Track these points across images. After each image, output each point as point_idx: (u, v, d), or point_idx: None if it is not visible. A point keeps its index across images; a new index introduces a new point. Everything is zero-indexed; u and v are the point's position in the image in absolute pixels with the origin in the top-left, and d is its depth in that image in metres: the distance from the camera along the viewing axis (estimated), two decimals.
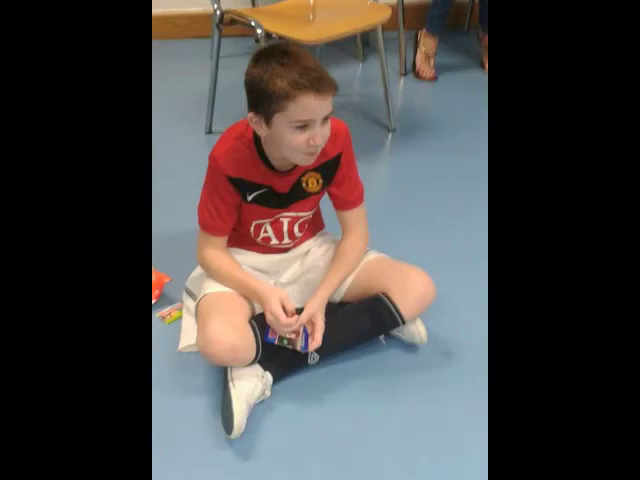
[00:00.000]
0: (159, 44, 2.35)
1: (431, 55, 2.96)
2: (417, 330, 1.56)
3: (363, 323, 1.54)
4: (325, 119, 1.32)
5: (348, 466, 1.34)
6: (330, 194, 1.55)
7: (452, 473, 1.33)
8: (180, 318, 1.65)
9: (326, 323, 1.45)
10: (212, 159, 1.43)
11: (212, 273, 1.53)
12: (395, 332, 1.59)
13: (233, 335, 1.40)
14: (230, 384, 1.40)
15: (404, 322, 1.52)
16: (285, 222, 1.54)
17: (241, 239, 1.57)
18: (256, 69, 1.29)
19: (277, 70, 1.26)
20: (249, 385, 1.40)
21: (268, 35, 2.20)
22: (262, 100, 1.28)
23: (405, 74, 3.02)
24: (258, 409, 1.42)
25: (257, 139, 1.41)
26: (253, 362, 1.44)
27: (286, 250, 1.61)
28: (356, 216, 1.56)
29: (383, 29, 2.43)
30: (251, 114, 1.33)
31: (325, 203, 1.59)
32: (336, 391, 1.49)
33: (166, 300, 1.72)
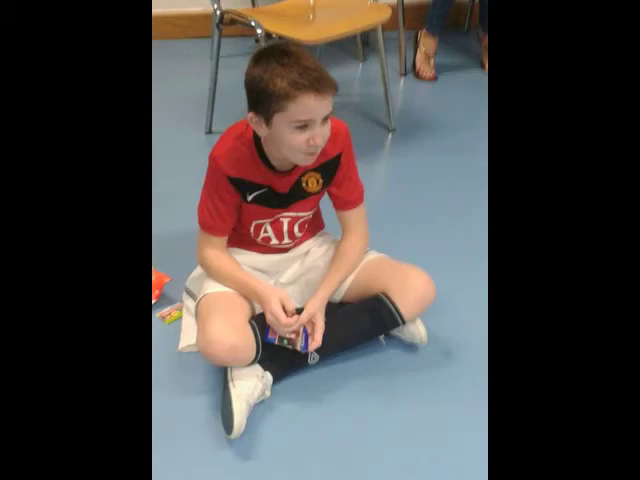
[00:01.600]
0: (159, 44, 2.35)
1: (431, 55, 2.96)
2: (417, 330, 1.56)
3: (363, 323, 1.54)
4: (325, 119, 1.32)
5: (348, 466, 1.34)
6: (330, 194, 1.55)
7: (452, 473, 1.33)
8: (180, 318, 1.65)
9: (326, 323, 1.45)
10: (212, 159, 1.43)
11: (212, 273, 1.53)
12: (395, 332, 1.59)
13: (233, 335, 1.40)
14: (230, 384, 1.40)
15: (404, 322, 1.52)
16: (285, 222, 1.54)
17: (241, 239, 1.57)
18: (256, 69, 1.29)
19: (277, 70, 1.26)
20: (249, 385, 1.40)
21: (268, 35, 2.20)
22: (262, 100, 1.28)
23: (405, 74, 3.02)
24: (258, 409, 1.42)
25: (257, 139, 1.41)
26: (253, 362, 1.44)
27: (286, 250, 1.61)
28: (356, 216, 1.56)
29: (383, 29, 2.43)
30: (251, 114, 1.33)
31: (325, 203, 1.59)
32: (336, 391, 1.49)
33: (166, 300, 1.72)
